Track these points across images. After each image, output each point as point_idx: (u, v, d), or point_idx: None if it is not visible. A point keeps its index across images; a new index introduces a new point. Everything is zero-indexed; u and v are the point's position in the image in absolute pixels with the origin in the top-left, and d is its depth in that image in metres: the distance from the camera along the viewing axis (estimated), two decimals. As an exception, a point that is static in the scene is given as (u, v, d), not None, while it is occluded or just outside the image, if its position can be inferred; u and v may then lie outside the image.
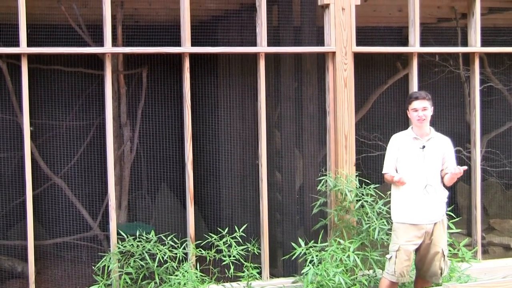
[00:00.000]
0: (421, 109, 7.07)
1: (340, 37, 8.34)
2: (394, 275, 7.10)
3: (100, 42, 7.94)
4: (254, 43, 8.32)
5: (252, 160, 9.28)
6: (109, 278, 7.61)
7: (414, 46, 8.70)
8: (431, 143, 7.12)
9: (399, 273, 7.09)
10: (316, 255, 7.42)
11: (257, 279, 7.98)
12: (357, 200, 7.93)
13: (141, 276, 7.60)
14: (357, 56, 8.53)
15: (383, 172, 7.30)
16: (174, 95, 9.22)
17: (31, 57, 7.73)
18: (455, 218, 8.03)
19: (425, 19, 9.77)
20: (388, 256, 7.22)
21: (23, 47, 7.51)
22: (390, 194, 7.39)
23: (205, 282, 7.58)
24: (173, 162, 9.34)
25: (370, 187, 8.02)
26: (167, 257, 7.54)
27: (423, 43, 8.87)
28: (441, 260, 7.12)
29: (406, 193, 7.12)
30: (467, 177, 9.46)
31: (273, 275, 8.56)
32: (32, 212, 7.65)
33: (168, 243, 7.67)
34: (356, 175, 8.24)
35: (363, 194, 7.95)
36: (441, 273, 7.15)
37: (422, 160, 7.07)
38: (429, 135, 7.14)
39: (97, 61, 8.80)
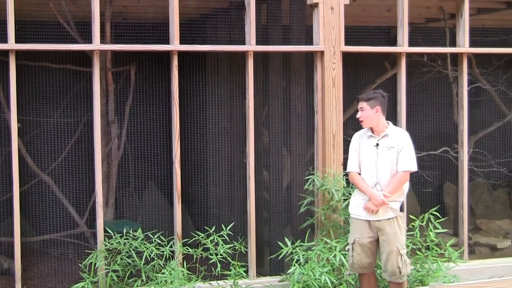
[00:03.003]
0: (360, 109, 7.22)
1: (328, 36, 8.34)
2: (353, 266, 7.30)
3: (88, 39, 7.92)
4: (242, 42, 8.32)
5: (239, 159, 9.28)
6: (95, 276, 7.60)
7: (403, 46, 8.71)
8: (385, 141, 7.16)
9: (357, 264, 7.28)
10: (303, 255, 7.42)
11: (244, 277, 7.99)
12: (344, 199, 7.95)
13: (127, 274, 7.59)
14: (346, 56, 8.53)
15: (347, 171, 7.45)
16: (162, 93, 9.22)
17: (19, 54, 7.72)
18: (440, 218, 8.05)
19: (413, 19, 9.80)
20: (346, 248, 7.35)
21: (11, 43, 7.49)
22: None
23: (191, 280, 7.58)
24: (161, 160, 9.34)
25: (357, 187, 8.04)
26: (154, 255, 7.54)
27: (411, 43, 8.88)
28: (398, 259, 7.11)
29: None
30: (454, 177, 9.49)
31: (260, 273, 8.56)
32: (19, 208, 7.64)
33: (155, 241, 7.67)
34: (344, 175, 8.25)
35: (350, 194, 7.96)
36: (400, 272, 7.17)
37: (375, 158, 7.16)
38: (384, 132, 7.19)
39: (85, 58, 8.77)
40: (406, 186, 7.24)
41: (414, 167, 7.10)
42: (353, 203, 7.36)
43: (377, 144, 7.15)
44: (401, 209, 7.19)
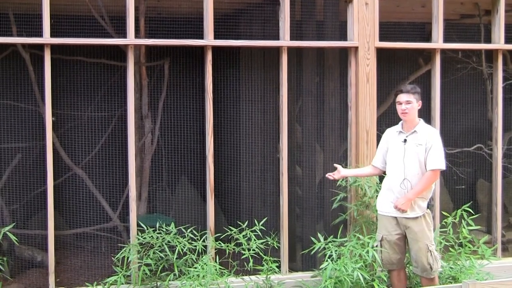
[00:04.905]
0: (405, 102, 7.17)
1: (363, 32, 8.32)
2: (382, 263, 7.35)
3: (122, 34, 7.96)
4: (276, 37, 8.32)
5: (272, 154, 9.27)
6: (128, 269, 7.64)
7: (437, 42, 8.67)
8: (413, 137, 7.16)
9: (386, 261, 7.35)
10: (335, 250, 7.40)
11: (276, 273, 7.99)
12: (376, 196, 7.91)
13: (160, 268, 7.62)
14: (380, 51, 8.51)
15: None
16: (196, 88, 9.23)
17: (54, 48, 7.76)
18: (473, 215, 8.01)
19: (448, 15, 9.73)
20: (375, 244, 7.35)
21: (46, 38, 7.55)
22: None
23: (224, 275, 7.59)
24: (194, 155, 9.33)
25: (390, 183, 8.01)
26: (186, 249, 7.56)
27: (446, 40, 8.83)
28: (427, 256, 7.14)
29: (387, 185, 7.32)
30: (487, 174, 9.42)
31: (292, 269, 8.56)
32: (53, 202, 7.69)
33: (187, 235, 7.69)
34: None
35: (383, 190, 7.94)
36: (431, 268, 7.17)
37: (402, 154, 7.17)
38: (414, 128, 7.18)
39: (119, 52, 8.81)
40: (434, 184, 7.24)
41: (442, 166, 7.08)
42: (380, 200, 7.41)
43: (405, 140, 7.16)
44: (427, 207, 7.20)
